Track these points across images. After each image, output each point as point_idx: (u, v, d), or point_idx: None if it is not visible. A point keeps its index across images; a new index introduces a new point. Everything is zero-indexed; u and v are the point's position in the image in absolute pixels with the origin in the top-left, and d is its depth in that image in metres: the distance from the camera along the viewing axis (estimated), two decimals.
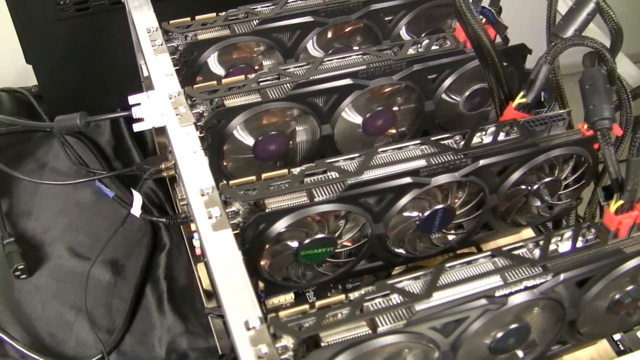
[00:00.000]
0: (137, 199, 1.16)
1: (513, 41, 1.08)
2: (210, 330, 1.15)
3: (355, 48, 1.15)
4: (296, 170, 0.89)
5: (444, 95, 1.07)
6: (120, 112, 1.13)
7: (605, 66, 0.92)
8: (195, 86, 0.99)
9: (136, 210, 1.16)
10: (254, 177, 0.89)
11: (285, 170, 0.89)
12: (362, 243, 0.93)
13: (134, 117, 1.02)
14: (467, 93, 1.08)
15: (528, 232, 1.09)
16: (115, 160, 1.37)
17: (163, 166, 1.19)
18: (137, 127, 1.02)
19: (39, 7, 1.23)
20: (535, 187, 0.97)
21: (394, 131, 1.09)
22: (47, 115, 1.37)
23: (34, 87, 1.41)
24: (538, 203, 1.00)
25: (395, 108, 1.06)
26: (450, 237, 1.00)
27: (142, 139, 1.40)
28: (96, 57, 1.33)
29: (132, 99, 1.02)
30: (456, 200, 0.95)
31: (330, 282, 1.01)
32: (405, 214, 0.93)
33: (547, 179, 0.97)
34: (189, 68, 1.07)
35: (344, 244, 0.93)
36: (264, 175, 0.89)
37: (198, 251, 1.13)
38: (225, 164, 1.02)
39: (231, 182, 0.88)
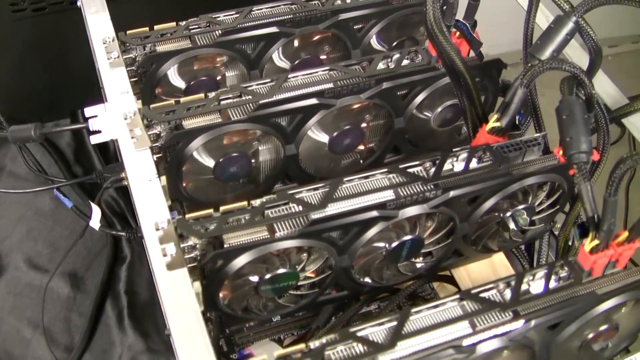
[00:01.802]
0: (96, 211, 1.11)
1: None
2: (172, 349, 1.11)
3: (323, 57, 1.09)
4: (256, 202, 0.84)
5: (415, 112, 1.02)
6: (79, 123, 1.08)
7: (583, 90, 0.88)
8: (152, 105, 0.94)
9: (95, 222, 1.11)
10: (211, 211, 0.84)
11: (245, 203, 0.85)
12: (326, 275, 0.89)
13: (91, 130, 0.97)
14: (439, 109, 1.04)
15: (499, 256, 1.05)
16: (75, 164, 1.32)
17: (124, 174, 1.14)
18: (94, 140, 0.97)
19: None
20: (509, 214, 0.93)
21: (362, 147, 1.04)
22: (4, 115, 1.30)
23: None
24: (511, 229, 0.96)
25: (363, 125, 1.01)
26: (419, 265, 0.95)
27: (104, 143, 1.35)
28: (54, 57, 1.28)
29: (88, 111, 0.98)
30: (425, 230, 0.91)
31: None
32: (372, 245, 0.89)
33: (521, 207, 0.93)
34: (147, 80, 1.01)
35: (307, 275, 0.89)
36: (222, 208, 0.84)
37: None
38: (184, 184, 0.97)
39: (187, 215, 0.83)
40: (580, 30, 0.91)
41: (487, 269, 1.04)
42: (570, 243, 1.01)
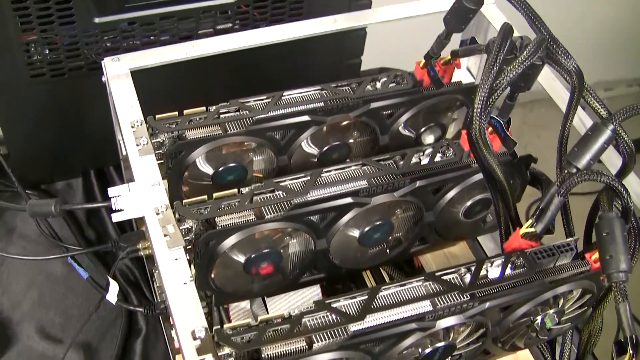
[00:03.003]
0: (113, 286, 1.10)
1: None
2: None
3: (351, 141, 1.08)
4: (295, 312, 0.84)
5: (446, 205, 1.02)
6: (100, 202, 1.07)
7: (620, 201, 0.88)
8: (184, 201, 0.93)
9: (112, 297, 1.10)
10: (249, 320, 0.83)
11: (284, 312, 0.84)
12: None
13: (114, 209, 0.96)
14: (468, 203, 1.04)
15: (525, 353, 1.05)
16: (88, 227, 1.29)
17: (141, 246, 1.13)
18: (116, 218, 0.96)
19: (10, 71, 1.14)
20: (540, 318, 0.93)
21: (389, 238, 1.04)
22: (14, 172, 1.27)
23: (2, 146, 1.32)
24: (539, 330, 0.96)
25: (393, 219, 1.01)
26: None
27: None
28: (68, 119, 1.25)
29: (112, 191, 0.96)
30: (458, 336, 0.91)
31: None
32: (406, 351, 0.89)
33: (551, 311, 0.93)
34: (175, 166, 1.00)
35: None
36: (260, 318, 0.83)
37: (177, 344, 1.08)
38: (213, 275, 0.96)
39: (226, 325, 0.83)
40: (616, 136, 0.92)
41: None
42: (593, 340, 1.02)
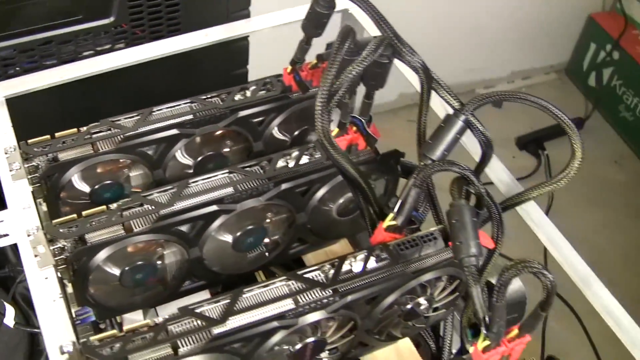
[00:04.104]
0: (9, 310, 1.12)
1: None
2: None
3: (226, 150, 1.11)
4: (159, 319, 0.86)
5: (316, 205, 1.05)
6: None
7: (473, 189, 0.91)
8: (54, 221, 0.95)
9: (9, 320, 1.12)
10: (115, 331, 0.85)
11: (149, 321, 0.86)
12: None
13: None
14: (340, 201, 1.07)
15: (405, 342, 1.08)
16: None
17: None
18: (2, 243, 0.98)
19: None
20: (409, 306, 0.96)
21: (267, 240, 1.06)
22: None
23: None
24: (413, 319, 0.99)
25: (266, 222, 1.03)
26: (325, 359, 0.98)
27: None
28: None
29: None
30: (327, 330, 0.93)
31: None
32: (275, 350, 0.91)
33: (421, 299, 0.96)
34: (51, 188, 1.02)
35: None
36: (125, 328, 0.86)
37: None
38: (92, 291, 0.98)
39: (92, 337, 0.85)
40: (470, 126, 0.95)
41: (392, 354, 1.07)
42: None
